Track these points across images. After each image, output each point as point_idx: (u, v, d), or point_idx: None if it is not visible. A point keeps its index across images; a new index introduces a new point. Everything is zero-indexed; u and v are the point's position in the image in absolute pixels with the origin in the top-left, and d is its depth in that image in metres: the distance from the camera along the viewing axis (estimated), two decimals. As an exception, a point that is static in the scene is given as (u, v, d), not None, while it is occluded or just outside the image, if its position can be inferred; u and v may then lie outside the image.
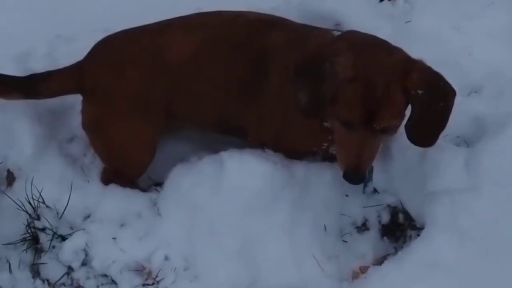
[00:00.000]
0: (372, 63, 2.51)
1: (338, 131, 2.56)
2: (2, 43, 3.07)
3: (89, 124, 2.84)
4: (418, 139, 2.62)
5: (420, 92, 2.48)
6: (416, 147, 2.78)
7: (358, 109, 2.46)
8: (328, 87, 2.49)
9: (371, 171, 2.84)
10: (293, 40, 2.71)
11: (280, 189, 2.77)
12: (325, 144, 2.69)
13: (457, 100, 2.80)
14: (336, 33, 2.75)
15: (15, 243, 2.77)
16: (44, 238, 2.78)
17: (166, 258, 2.75)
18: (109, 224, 2.81)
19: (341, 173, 2.61)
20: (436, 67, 2.56)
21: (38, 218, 2.80)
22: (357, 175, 2.55)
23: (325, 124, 2.61)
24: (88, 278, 2.75)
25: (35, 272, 2.76)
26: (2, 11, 3.21)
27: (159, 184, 2.93)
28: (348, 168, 2.53)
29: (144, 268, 2.75)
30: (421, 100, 2.50)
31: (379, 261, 2.74)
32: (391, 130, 2.55)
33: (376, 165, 2.81)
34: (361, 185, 2.85)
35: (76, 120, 2.92)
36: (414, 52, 2.59)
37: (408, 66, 2.52)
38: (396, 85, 2.47)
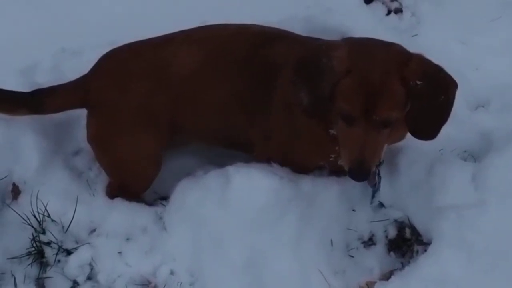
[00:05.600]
0: (368, 56, 2.50)
1: (341, 129, 2.53)
2: (7, 56, 3.06)
3: (94, 138, 2.83)
4: (419, 132, 2.59)
5: (419, 83, 2.46)
6: (423, 160, 2.76)
7: (356, 100, 2.45)
8: (326, 82, 2.48)
9: (379, 181, 2.81)
10: (297, 52, 2.68)
11: (287, 204, 2.74)
12: (333, 156, 2.66)
13: (464, 114, 2.88)
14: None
15: (20, 257, 2.75)
16: (49, 252, 2.75)
17: (172, 273, 2.73)
18: (114, 238, 2.79)
19: (348, 184, 2.64)
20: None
21: (44, 232, 2.78)
22: (361, 170, 2.51)
23: (331, 131, 2.59)
24: None
25: (41, 286, 2.73)
26: (7, 24, 3.21)
27: (164, 198, 2.92)
28: (352, 164, 2.50)
29: (149, 282, 2.73)
30: (420, 92, 2.48)
31: (386, 277, 2.71)
32: (391, 122, 2.51)
33: (383, 178, 2.81)
34: (370, 196, 2.85)
35: (81, 133, 2.91)
36: (421, 65, 2.54)
37: (406, 57, 2.51)
38: (394, 76, 2.45)
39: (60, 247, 2.75)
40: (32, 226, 2.76)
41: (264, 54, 2.71)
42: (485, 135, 2.94)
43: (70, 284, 2.72)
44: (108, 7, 3.25)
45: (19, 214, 2.78)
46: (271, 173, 2.78)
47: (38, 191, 2.83)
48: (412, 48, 2.51)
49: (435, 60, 2.52)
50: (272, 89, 2.69)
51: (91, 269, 2.75)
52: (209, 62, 2.75)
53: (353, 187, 2.82)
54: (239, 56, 2.73)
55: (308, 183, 2.81)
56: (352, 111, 2.44)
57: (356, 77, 2.43)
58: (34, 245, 2.75)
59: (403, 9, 3.51)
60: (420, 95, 2.47)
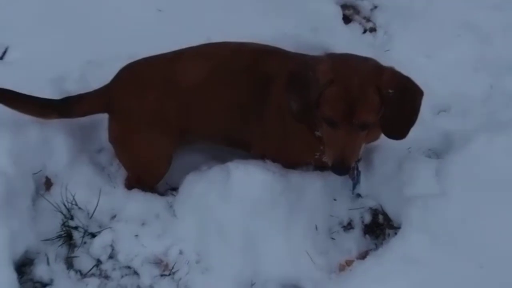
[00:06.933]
0: (348, 69, 2.52)
1: (325, 132, 2.57)
2: (41, 68, 3.03)
3: (114, 139, 2.87)
4: (391, 133, 2.62)
5: (391, 92, 2.49)
6: (395, 155, 2.85)
7: (338, 107, 2.47)
8: (312, 92, 2.51)
9: (358, 175, 2.87)
10: (287, 66, 2.69)
11: (278, 195, 2.80)
12: (318, 154, 2.71)
13: (429, 118, 2.85)
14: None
15: (52, 240, 2.78)
16: (76, 235, 2.80)
17: (181, 253, 2.77)
18: (132, 223, 2.83)
19: (331, 178, 2.70)
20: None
21: (72, 218, 2.82)
22: (343, 166, 2.53)
23: (316, 133, 2.63)
24: (114, 269, 2.77)
25: (69, 264, 2.77)
26: (41, 41, 3.15)
27: (174, 189, 2.95)
28: (335, 161, 2.53)
29: (161, 261, 2.77)
30: (392, 99, 2.50)
31: (363, 256, 2.78)
32: (368, 125, 2.54)
33: (361, 172, 2.87)
34: (350, 188, 2.90)
35: (103, 134, 2.94)
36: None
37: (379, 70, 2.53)
38: (370, 86, 2.47)
39: (85, 231, 2.80)
40: (62, 213, 2.81)
41: (259, 68, 2.74)
42: (447, 136, 3.00)
43: (94, 262, 2.76)
44: (127, 26, 3.20)
45: (51, 203, 2.82)
46: (265, 169, 2.83)
47: (67, 183, 2.87)
48: (384, 62, 2.57)
49: (404, 71, 2.57)
50: (266, 97, 2.73)
51: (112, 250, 2.79)
52: (213, 74, 2.78)
53: (334, 180, 2.87)
54: (239, 69, 2.77)
55: (296, 177, 2.86)
56: (335, 116, 2.49)
57: (338, 87, 2.47)
58: (64, 229, 2.80)
59: (377, 28, 3.47)
60: (392, 102, 2.51)
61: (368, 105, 2.48)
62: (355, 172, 2.85)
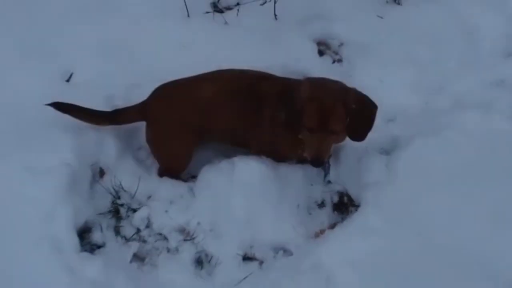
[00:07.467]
0: (322, 89, 2.55)
1: (305, 135, 2.60)
2: (97, 88, 2.98)
3: (150, 140, 2.89)
4: (354, 137, 2.65)
5: (354, 106, 2.53)
6: (356, 153, 2.88)
7: (315, 118, 2.51)
8: (296, 107, 2.53)
9: (329, 167, 2.87)
10: (276, 87, 2.72)
11: (271, 181, 2.83)
12: (299, 151, 2.70)
13: (381, 125, 2.87)
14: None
15: (104, 213, 2.81)
16: (122, 210, 2.82)
17: (198, 224, 2.79)
18: (162, 202, 2.84)
19: (309, 169, 2.73)
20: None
21: (119, 198, 2.83)
22: (318, 161, 2.57)
23: (299, 136, 2.63)
24: (149, 235, 2.78)
25: (117, 231, 2.79)
26: (96, 67, 3.08)
27: (194, 176, 2.94)
28: (312, 157, 2.57)
29: (184, 229, 2.79)
30: (355, 112, 2.54)
31: (332, 226, 2.83)
32: (337, 131, 2.57)
33: (332, 166, 2.89)
34: (323, 176, 2.90)
35: (142, 136, 2.93)
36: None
37: (346, 90, 2.56)
38: (339, 103, 2.51)
39: (129, 207, 2.82)
40: (112, 194, 2.84)
41: (256, 88, 2.74)
42: (393, 138, 3.01)
43: (135, 230, 2.79)
44: (159, 57, 3.11)
45: (103, 187, 2.86)
46: (261, 162, 2.86)
47: (116, 172, 2.88)
48: (349, 84, 2.62)
49: (364, 91, 2.61)
50: (261, 110, 2.73)
51: (148, 221, 2.80)
52: (222, 93, 2.77)
53: (311, 171, 2.90)
54: (241, 89, 2.76)
55: (284, 168, 2.89)
56: (313, 125, 2.54)
57: (315, 104, 2.51)
58: (113, 206, 2.82)
59: (343, 60, 3.32)
60: (355, 114, 2.55)
61: (337, 117, 2.52)
62: (327, 165, 2.88)
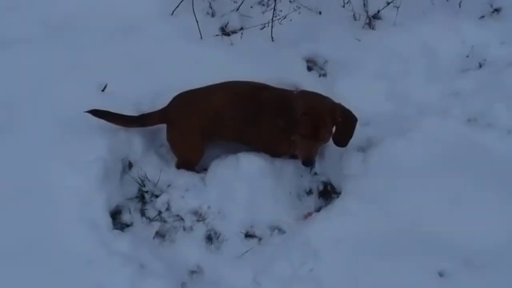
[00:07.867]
0: (314, 105, 2.58)
1: (299, 140, 2.64)
2: (126, 97, 2.96)
3: (169, 139, 2.88)
4: (339, 143, 2.70)
5: (340, 119, 2.59)
6: (338, 150, 2.82)
7: (308, 129, 2.56)
8: (292, 117, 2.57)
9: (314, 163, 2.82)
10: (274, 96, 2.73)
11: (268, 173, 2.84)
12: (291, 149, 2.72)
13: (358, 127, 2.79)
14: (296, 91, 2.80)
15: (132, 198, 2.83)
16: (147, 196, 2.83)
17: (209, 207, 2.80)
18: (180, 189, 2.85)
19: (300, 163, 2.65)
20: (349, 107, 2.68)
21: (144, 186, 2.85)
22: (309, 162, 2.62)
23: (292, 138, 2.65)
24: (169, 217, 2.79)
25: (142, 213, 2.80)
26: (126, 80, 3.01)
27: (206, 169, 2.92)
28: (304, 159, 2.61)
29: (197, 212, 2.79)
30: (340, 124, 2.61)
31: (318, 210, 2.83)
32: (326, 139, 2.63)
33: (317, 160, 2.87)
34: (310, 169, 2.91)
35: (163, 136, 2.91)
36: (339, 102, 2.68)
37: (333, 105, 2.61)
38: (327, 116, 2.57)
39: (152, 193, 2.84)
40: (138, 183, 2.86)
41: (257, 97, 2.74)
42: (368, 139, 2.99)
43: (157, 212, 2.79)
44: (178, 71, 3.03)
45: (132, 177, 2.87)
46: (260, 157, 2.86)
47: (141, 165, 2.88)
48: (333, 95, 2.65)
49: (346, 105, 2.66)
50: (261, 115, 2.73)
51: (168, 205, 2.81)
52: (228, 100, 2.77)
53: (301, 165, 2.73)
54: (244, 97, 2.76)
55: (279, 162, 2.90)
56: (306, 133, 2.58)
57: (308, 116, 2.55)
58: (139, 192, 2.84)
59: (327, 74, 3.26)
60: (340, 125, 2.61)
61: (326, 128, 2.58)
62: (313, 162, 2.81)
